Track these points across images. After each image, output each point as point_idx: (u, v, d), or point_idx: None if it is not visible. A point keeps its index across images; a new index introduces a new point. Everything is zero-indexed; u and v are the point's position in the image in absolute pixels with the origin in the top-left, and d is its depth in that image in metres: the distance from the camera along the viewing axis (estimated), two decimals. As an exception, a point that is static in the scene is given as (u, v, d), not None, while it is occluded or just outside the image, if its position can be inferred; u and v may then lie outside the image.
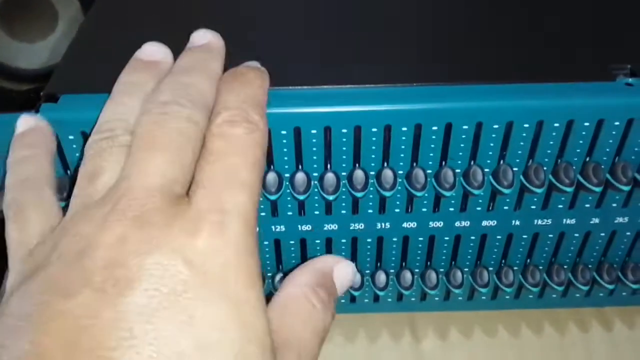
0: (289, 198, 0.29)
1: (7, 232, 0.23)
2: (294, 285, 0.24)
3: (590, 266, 0.33)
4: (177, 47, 0.27)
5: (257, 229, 0.21)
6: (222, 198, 0.20)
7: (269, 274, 0.33)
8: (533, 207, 0.30)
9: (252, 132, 0.22)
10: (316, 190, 0.29)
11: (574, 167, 0.28)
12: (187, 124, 0.22)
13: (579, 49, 0.30)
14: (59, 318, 0.17)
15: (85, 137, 0.27)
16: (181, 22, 0.33)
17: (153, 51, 0.26)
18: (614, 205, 0.30)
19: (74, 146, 0.27)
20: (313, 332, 0.23)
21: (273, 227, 0.31)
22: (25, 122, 0.26)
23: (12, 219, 0.23)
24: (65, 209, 0.29)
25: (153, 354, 0.17)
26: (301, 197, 0.28)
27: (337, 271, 0.25)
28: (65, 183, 0.28)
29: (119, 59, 0.30)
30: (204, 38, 0.26)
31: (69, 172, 0.28)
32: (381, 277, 0.33)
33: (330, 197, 0.28)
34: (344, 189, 0.29)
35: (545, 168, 0.28)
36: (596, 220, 0.31)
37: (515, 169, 0.28)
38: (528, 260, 0.33)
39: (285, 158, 0.28)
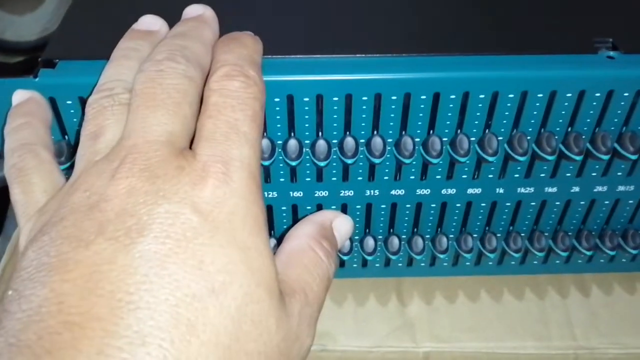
0: (281, 165, 0.30)
1: (12, 196, 0.24)
2: (297, 237, 0.25)
3: (570, 233, 0.35)
4: (176, 15, 0.28)
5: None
6: (225, 149, 0.21)
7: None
8: (516, 175, 0.31)
9: (249, 86, 0.23)
10: (307, 157, 0.30)
11: (556, 137, 0.29)
12: (183, 79, 0.23)
13: (563, 22, 0.31)
14: (77, 266, 0.18)
15: (83, 102, 0.28)
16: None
17: (150, 22, 0.27)
18: (594, 174, 0.32)
19: (72, 111, 0.28)
20: (319, 279, 0.24)
21: (266, 193, 0.32)
22: (21, 95, 0.27)
23: (16, 183, 0.24)
24: (66, 173, 0.30)
25: (169, 297, 0.18)
26: (293, 163, 0.29)
27: (337, 224, 0.27)
28: (64, 148, 0.29)
29: (117, 25, 0.30)
30: (197, 11, 0.27)
31: (66, 137, 0.29)
32: (369, 242, 0.34)
33: (322, 164, 0.29)
34: (334, 156, 0.30)
35: (528, 137, 0.29)
36: (576, 189, 0.32)
37: (500, 138, 0.29)
38: (511, 227, 0.34)
39: (278, 125, 0.29)
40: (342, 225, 0.27)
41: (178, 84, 0.22)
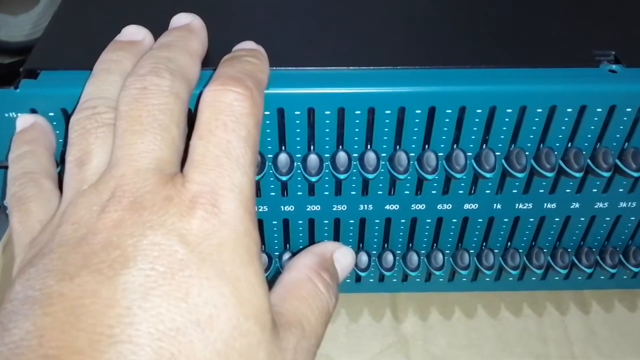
0: (272, 179, 0.29)
1: (11, 224, 0.23)
2: (297, 268, 0.25)
3: (569, 250, 0.34)
4: (162, 25, 0.27)
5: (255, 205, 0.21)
6: (215, 177, 0.20)
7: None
8: (514, 191, 0.30)
9: (245, 99, 0.22)
10: (299, 171, 0.29)
11: (556, 153, 0.28)
12: (168, 97, 0.22)
13: (563, 34, 0.30)
14: (60, 299, 0.18)
15: (66, 113, 0.27)
16: (167, 2, 0.33)
17: (133, 32, 0.26)
18: (595, 190, 0.31)
19: (54, 123, 0.27)
20: (318, 312, 0.23)
21: (256, 207, 0.31)
22: (25, 120, 0.26)
23: (15, 211, 0.23)
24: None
25: (152, 330, 0.17)
26: (284, 178, 0.28)
27: (338, 256, 0.26)
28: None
29: (100, 35, 0.29)
30: (185, 20, 0.26)
31: (49, 149, 0.28)
32: (363, 258, 0.33)
33: (313, 179, 0.28)
34: (327, 171, 0.29)
35: (527, 153, 0.28)
36: (576, 205, 0.31)
37: (497, 153, 0.28)
38: (508, 244, 0.33)
39: (269, 139, 0.28)
40: (344, 258, 0.26)
41: (163, 103, 0.21)
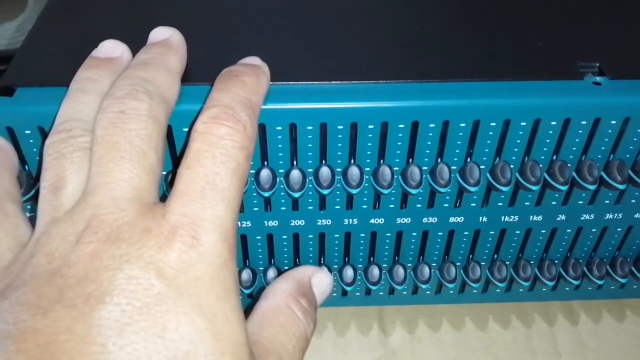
0: (254, 194, 0.29)
1: None
2: (274, 295, 0.24)
3: (556, 262, 0.34)
4: (142, 39, 0.26)
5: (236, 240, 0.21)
6: (197, 209, 0.20)
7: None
8: (500, 204, 0.30)
9: (237, 132, 0.21)
10: (282, 187, 0.28)
11: (541, 166, 0.28)
12: (146, 122, 0.21)
13: (547, 45, 0.29)
14: (33, 335, 0.17)
15: (43, 131, 0.26)
16: (147, 13, 0.32)
17: (109, 48, 0.25)
18: (580, 202, 0.30)
19: (31, 141, 0.26)
20: (295, 340, 0.23)
21: (239, 222, 0.31)
22: None
23: None
24: (28, 206, 0.28)
25: None
26: (266, 194, 0.28)
27: (316, 280, 0.25)
28: (23, 179, 0.27)
29: (79, 50, 0.29)
30: (163, 35, 0.26)
31: (26, 167, 0.27)
32: (349, 272, 0.33)
33: (296, 195, 0.28)
34: (310, 186, 0.28)
35: (512, 166, 0.28)
36: (562, 217, 0.31)
37: (482, 166, 0.28)
38: (495, 256, 0.33)
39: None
40: (322, 282, 0.26)
41: (142, 128, 0.21)
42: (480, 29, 0.31)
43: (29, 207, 0.29)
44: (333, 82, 0.27)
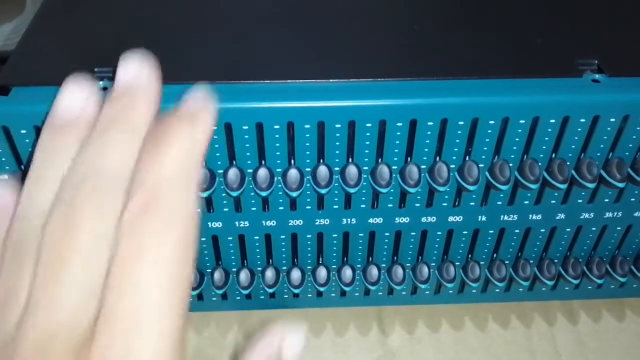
0: (252, 194, 0.29)
1: None
2: None
3: (556, 261, 0.33)
4: (139, 38, 0.26)
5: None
6: (127, 343, 0.17)
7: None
8: (499, 202, 0.30)
9: (168, 226, 0.18)
10: (279, 186, 0.28)
11: (540, 164, 0.28)
12: (100, 224, 0.18)
13: (546, 42, 0.29)
14: None
15: (38, 131, 0.26)
16: (144, 11, 0.32)
17: (69, 106, 0.21)
18: (580, 201, 0.30)
19: (27, 140, 0.26)
20: None
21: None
22: None
23: None
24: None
25: None
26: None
27: (286, 351, 0.23)
28: (19, 178, 0.27)
29: (73, 50, 0.29)
30: (129, 73, 0.21)
31: (22, 167, 0.27)
32: (347, 272, 0.32)
33: (294, 194, 0.28)
34: (308, 185, 0.28)
35: (510, 164, 0.28)
36: (562, 216, 0.31)
37: (481, 165, 0.28)
38: (494, 255, 0.33)
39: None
40: (293, 349, 0.23)
41: (93, 236, 0.18)
42: (479, 27, 0.31)
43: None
44: (330, 80, 0.27)
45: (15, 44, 0.31)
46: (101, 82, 0.26)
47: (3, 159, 0.27)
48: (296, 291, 0.33)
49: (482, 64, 0.28)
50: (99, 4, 0.33)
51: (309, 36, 0.30)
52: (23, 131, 0.26)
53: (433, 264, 0.33)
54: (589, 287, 0.36)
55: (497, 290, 0.35)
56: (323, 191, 0.28)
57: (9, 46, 0.61)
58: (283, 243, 0.32)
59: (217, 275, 0.32)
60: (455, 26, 0.31)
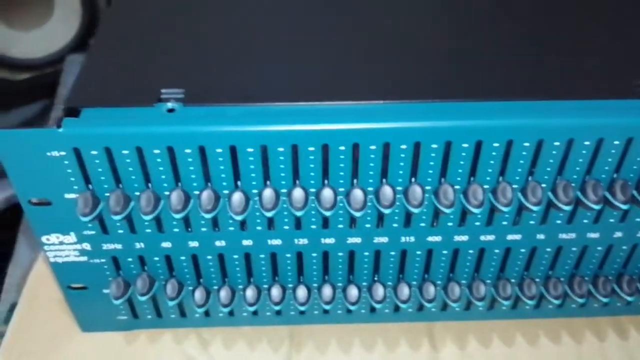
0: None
1: None
2: None
3: (610, 278, 0.33)
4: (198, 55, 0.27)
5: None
6: None
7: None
8: (558, 222, 0.30)
9: None
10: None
11: (602, 184, 0.28)
12: None
13: (601, 65, 0.29)
14: None
15: (109, 152, 0.26)
16: (200, 29, 0.33)
17: None
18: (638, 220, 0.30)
19: (97, 161, 0.27)
20: None
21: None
22: None
23: None
24: (90, 225, 0.28)
25: None
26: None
27: None
28: (88, 198, 0.27)
29: (140, 69, 0.29)
30: None
31: (89, 186, 0.28)
32: (404, 290, 0.33)
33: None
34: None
35: (573, 185, 0.28)
36: (619, 235, 0.31)
37: (543, 185, 0.28)
38: (550, 272, 0.33)
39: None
40: None
41: None
42: (521, 48, 0.31)
43: (91, 225, 0.29)
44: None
45: (47, 50, 0.30)
46: (169, 104, 0.27)
47: (72, 179, 0.27)
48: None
49: (541, 86, 0.28)
50: (162, 21, 0.33)
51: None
52: (94, 152, 0.26)
53: (488, 281, 0.33)
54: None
55: (550, 306, 0.35)
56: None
57: (45, 52, 0.61)
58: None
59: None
60: (506, 46, 0.31)
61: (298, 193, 0.28)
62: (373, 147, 0.26)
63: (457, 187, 0.28)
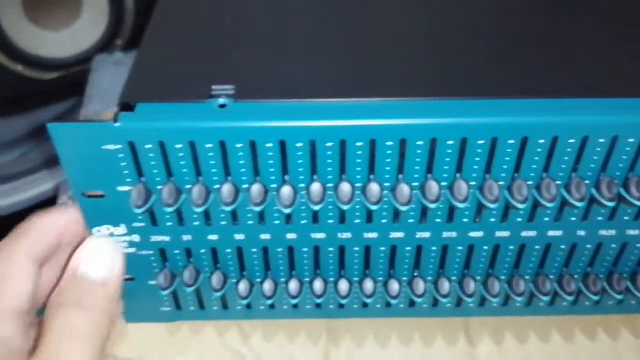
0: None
1: None
2: None
3: (647, 275, 0.34)
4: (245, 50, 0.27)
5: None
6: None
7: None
8: (599, 218, 0.30)
9: None
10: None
11: (588, 182, 0.28)
12: None
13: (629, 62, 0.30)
14: None
15: (163, 146, 0.27)
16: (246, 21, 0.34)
17: None
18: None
19: (151, 155, 0.27)
20: None
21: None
22: None
23: None
24: (142, 217, 0.29)
25: None
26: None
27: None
28: (142, 190, 0.28)
29: (192, 63, 0.30)
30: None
31: (142, 179, 0.28)
32: (445, 285, 0.33)
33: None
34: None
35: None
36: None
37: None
38: (589, 269, 0.33)
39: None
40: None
41: None
42: (546, 45, 0.31)
43: (141, 217, 0.30)
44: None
45: (76, 49, 0.31)
46: (220, 100, 0.27)
47: (125, 172, 0.28)
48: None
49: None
50: (211, 17, 0.34)
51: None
52: (148, 146, 0.27)
53: (527, 276, 0.33)
54: (679, 301, 0.36)
55: (587, 302, 0.36)
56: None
57: (74, 51, 0.62)
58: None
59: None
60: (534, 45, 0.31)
61: (345, 187, 0.28)
62: (420, 143, 0.27)
63: (501, 182, 0.28)
